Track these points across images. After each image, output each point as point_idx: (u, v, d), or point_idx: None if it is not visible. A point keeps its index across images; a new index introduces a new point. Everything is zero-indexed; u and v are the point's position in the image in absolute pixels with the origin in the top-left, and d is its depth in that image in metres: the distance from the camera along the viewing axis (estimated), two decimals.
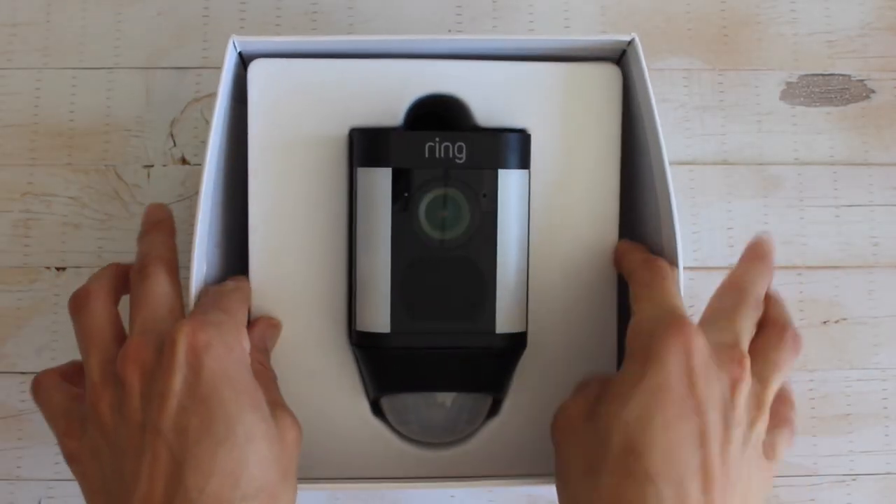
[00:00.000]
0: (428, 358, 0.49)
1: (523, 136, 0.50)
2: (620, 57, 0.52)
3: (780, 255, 0.57)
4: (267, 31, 0.61)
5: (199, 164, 0.59)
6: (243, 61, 0.52)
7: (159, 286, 0.47)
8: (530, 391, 0.52)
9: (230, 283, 0.50)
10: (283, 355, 0.51)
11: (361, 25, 0.62)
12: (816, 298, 0.61)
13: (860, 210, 0.62)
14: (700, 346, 0.44)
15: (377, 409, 0.52)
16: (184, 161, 0.60)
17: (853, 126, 0.62)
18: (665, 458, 0.42)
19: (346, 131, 0.51)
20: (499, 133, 0.50)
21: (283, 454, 0.44)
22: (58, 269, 0.59)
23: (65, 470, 0.59)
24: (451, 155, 0.48)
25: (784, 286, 0.60)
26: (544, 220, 0.51)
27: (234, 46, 0.49)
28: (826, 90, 0.62)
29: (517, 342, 0.50)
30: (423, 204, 0.48)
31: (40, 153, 0.60)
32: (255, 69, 0.50)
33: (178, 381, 0.43)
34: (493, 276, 0.49)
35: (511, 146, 0.49)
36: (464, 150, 0.48)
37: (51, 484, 0.59)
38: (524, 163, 0.49)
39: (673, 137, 0.61)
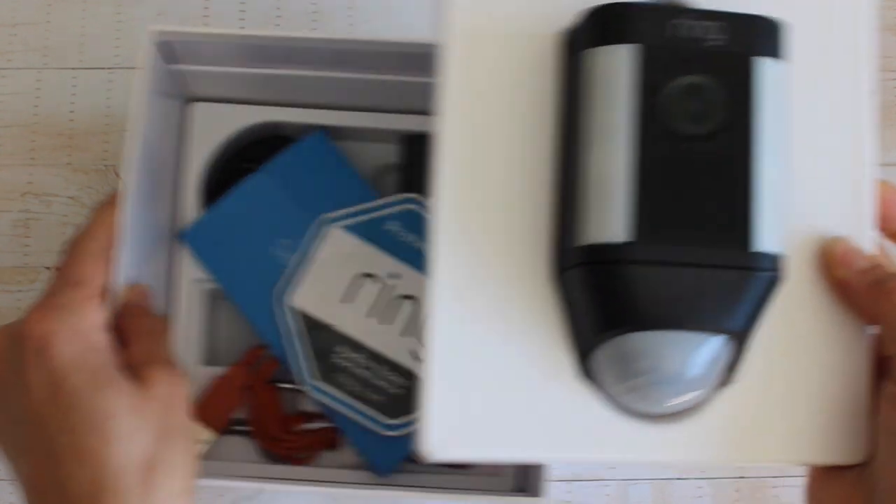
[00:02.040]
0: (671, 280, 0.39)
1: (784, 25, 0.41)
2: None
3: None
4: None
5: None
6: (172, 55, 0.53)
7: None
8: (775, 351, 0.42)
9: (92, 244, 0.48)
10: (473, 311, 0.41)
11: (361, 26, 0.62)
12: None
13: None
14: None
15: (586, 371, 0.42)
16: None
17: None
18: None
19: (550, 45, 0.43)
20: (757, 16, 0.41)
21: (153, 415, 0.45)
22: (58, 269, 0.59)
23: None
24: (701, 35, 0.40)
25: None
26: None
27: (153, 40, 0.50)
28: None
29: (774, 266, 0.40)
30: (669, 91, 0.40)
31: (40, 153, 0.60)
32: None
33: (34, 375, 0.45)
34: (747, 180, 0.39)
35: (770, 32, 0.41)
36: (719, 31, 0.40)
37: None
38: (782, 53, 0.41)
39: None
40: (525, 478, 0.55)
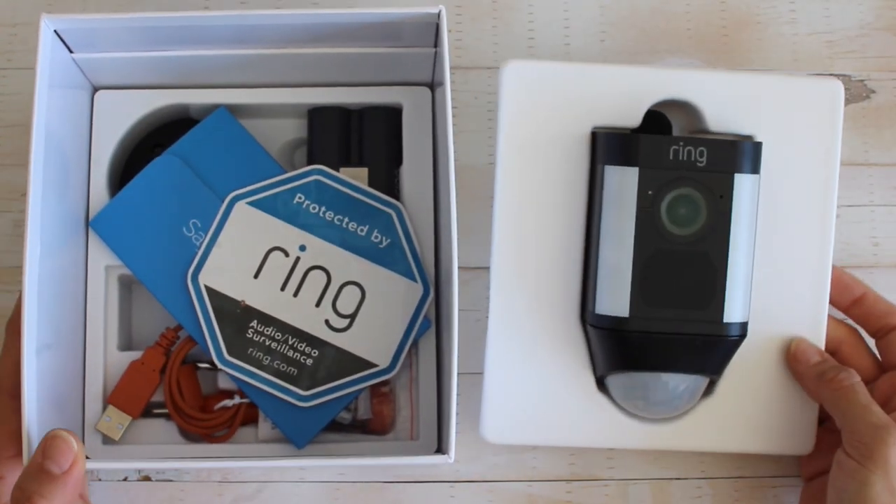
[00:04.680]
0: (659, 342, 0.53)
1: (756, 145, 0.54)
2: None
3: None
4: None
5: None
6: (66, 45, 0.54)
7: None
8: (743, 375, 0.56)
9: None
10: (520, 331, 0.55)
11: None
12: None
13: (860, 210, 0.62)
14: None
15: (602, 386, 0.56)
16: None
17: (853, 126, 0.62)
18: None
19: (587, 130, 0.55)
20: (736, 141, 0.54)
21: None
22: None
23: None
24: (692, 158, 0.52)
25: None
26: (766, 220, 0.55)
27: (48, 26, 0.52)
28: None
29: (741, 331, 0.54)
30: (665, 202, 0.53)
31: None
32: (508, 71, 0.55)
33: None
34: (724, 270, 0.53)
35: (746, 153, 0.53)
36: (704, 155, 0.53)
37: None
38: (756, 168, 0.54)
39: None
40: (440, 442, 0.57)
